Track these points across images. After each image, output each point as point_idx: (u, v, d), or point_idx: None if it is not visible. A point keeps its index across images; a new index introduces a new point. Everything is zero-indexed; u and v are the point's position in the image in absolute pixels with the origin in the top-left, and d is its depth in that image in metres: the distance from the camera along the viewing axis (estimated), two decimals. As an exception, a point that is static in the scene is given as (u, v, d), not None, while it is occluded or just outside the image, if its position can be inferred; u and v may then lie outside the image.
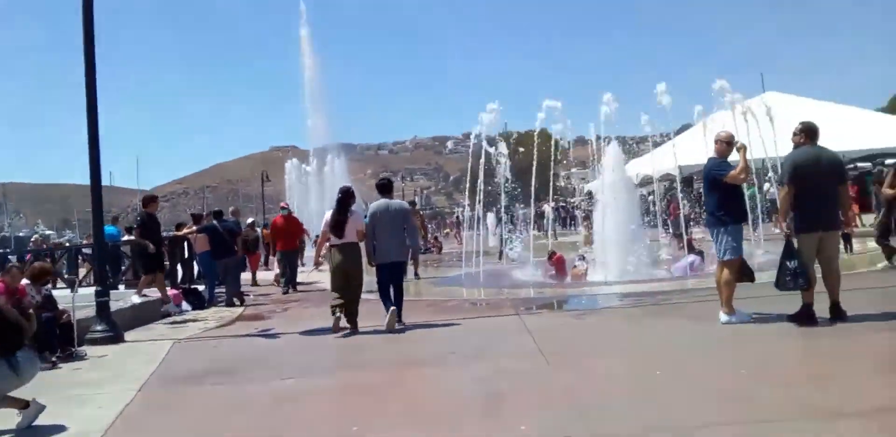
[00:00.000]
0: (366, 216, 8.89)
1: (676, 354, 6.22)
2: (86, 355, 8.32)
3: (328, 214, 8.87)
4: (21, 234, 57.68)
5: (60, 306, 8.67)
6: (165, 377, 6.91)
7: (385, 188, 9.14)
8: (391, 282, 8.72)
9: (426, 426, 4.71)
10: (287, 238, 15.02)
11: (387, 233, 8.68)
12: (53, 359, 7.90)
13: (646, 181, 23.30)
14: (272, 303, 12.88)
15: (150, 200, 12.51)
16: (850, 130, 22.75)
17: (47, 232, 65.74)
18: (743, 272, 7.30)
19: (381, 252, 8.71)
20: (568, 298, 11.13)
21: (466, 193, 19.31)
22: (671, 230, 18.90)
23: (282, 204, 16.87)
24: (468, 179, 17.93)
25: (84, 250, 16.65)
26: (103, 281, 9.59)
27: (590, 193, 41.23)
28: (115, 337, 9.19)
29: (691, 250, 14.20)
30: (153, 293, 12.44)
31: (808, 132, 7.02)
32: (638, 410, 4.63)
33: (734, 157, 7.34)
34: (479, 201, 17.93)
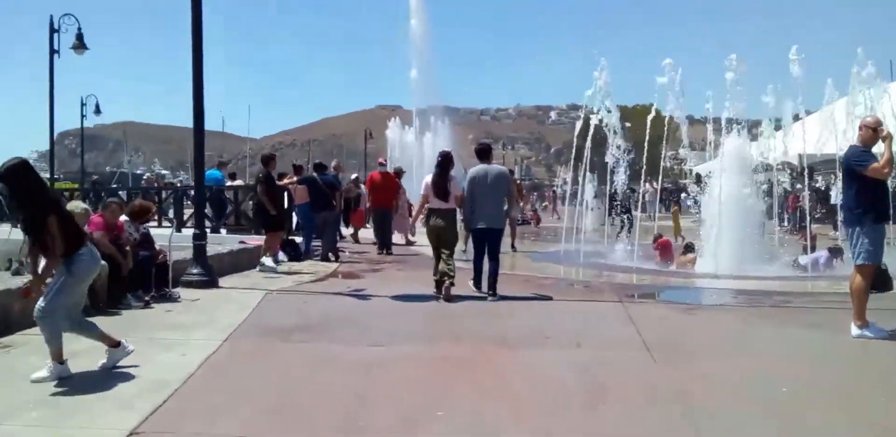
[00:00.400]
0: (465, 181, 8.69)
1: (799, 366, 5.57)
2: (179, 297, 8.35)
3: (428, 178, 8.78)
4: (138, 172, 60.47)
5: (159, 246, 8.72)
6: (253, 328, 6.80)
7: (484, 153, 8.87)
8: (488, 249, 8.55)
9: (515, 415, 4.33)
10: (383, 196, 14.53)
11: (486, 198, 8.48)
12: (147, 298, 7.96)
13: (762, 169, 21.90)
14: (367, 262, 12.75)
15: (269, 158, 12.00)
16: None
17: (163, 172, 68.81)
18: (878, 280, 6.50)
19: (478, 218, 8.49)
20: (675, 288, 10.41)
21: (572, 162, 18.46)
22: (788, 225, 17.74)
23: (380, 160, 16.19)
24: (574, 148, 17.10)
25: (190, 192, 17.02)
26: (201, 225, 9.62)
27: (698, 176, 39.55)
28: (210, 282, 9.21)
29: (812, 246, 13.18)
30: (252, 241, 12.52)
31: None
32: (756, 425, 4.11)
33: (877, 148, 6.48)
34: (585, 175, 17.06)
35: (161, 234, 9.92)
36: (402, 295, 8.63)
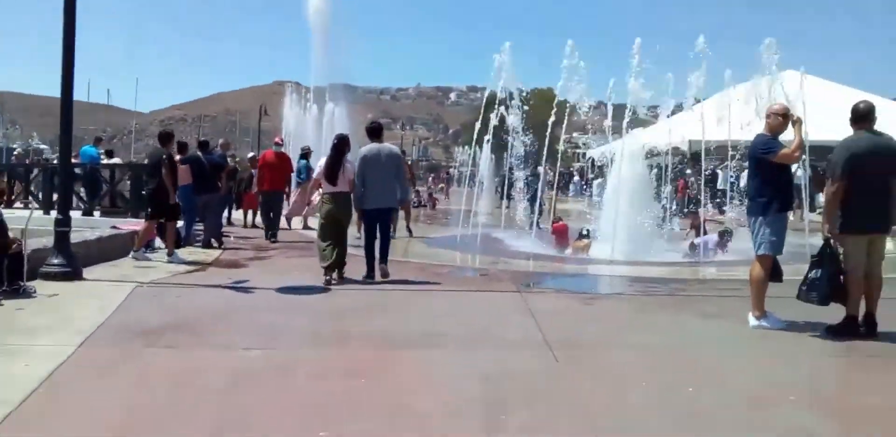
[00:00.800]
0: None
1: (700, 360, 5.39)
2: (35, 292, 7.41)
3: (322, 160, 8.76)
4: (14, 146, 56.28)
5: (12, 234, 7.73)
6: (115, 331, 6.04)
7: (375, 132, 8.76)
8: (379, 230, 8.52)
9: (409, 432, 3.88)
10: (275, 177, 13.39)
11: (377, 178, 8.41)
12: (-5, 294, 7.04)
13: (652, 154, 22.29)
14: (253, 249, 11.98)
15: (167, 136, 10.90)
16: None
17: (41, 146, 64.16)
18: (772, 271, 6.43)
19: (370, 198, 8.44)
20: (572, 276, 10.20)
21: (473, 145, 18.10)
22: (677, 209, 18.06)
23: (276, 139, 15.01)
24: (476, 129, 16.75)
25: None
26: (65, 208, 8.62)
27: (592, 160, 40.29)
28: (72, 273, 8.28)
29: (697, 229, 13.39)
30: (126, 225, 11.55)
31: (864, 114, 6.07)
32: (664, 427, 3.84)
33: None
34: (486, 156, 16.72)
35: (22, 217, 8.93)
36: (288, 287, 8.01)
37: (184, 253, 10.86)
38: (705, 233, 13.05)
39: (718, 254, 11.95)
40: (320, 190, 8.95)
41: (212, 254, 11.06)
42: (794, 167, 15.80)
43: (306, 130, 32.11)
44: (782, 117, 6.34)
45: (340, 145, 8.61)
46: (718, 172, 21.85)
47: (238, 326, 6.32)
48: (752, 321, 6.29)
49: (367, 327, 6.30)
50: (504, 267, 10.27)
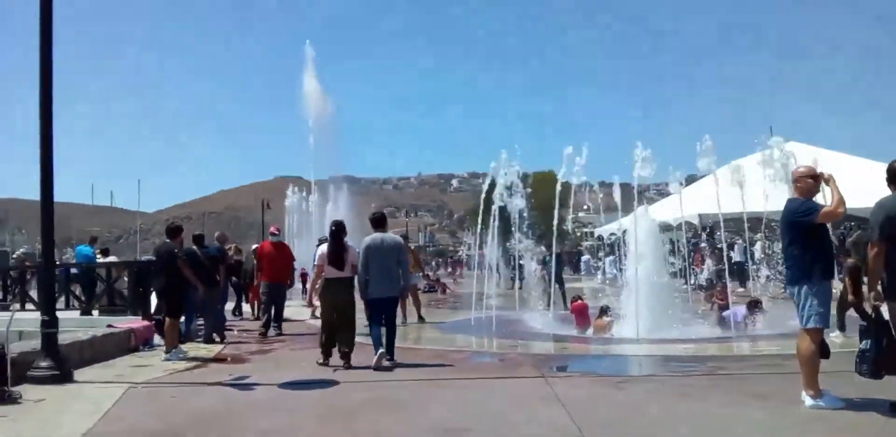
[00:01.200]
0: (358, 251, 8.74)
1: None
2: (20, 397, 6.82)
3: (323, 248, 8.86)
4: (22, 250, 56.42)
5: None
6: (100, 440, 5.42)
7: (379, 222, 8.87)
8: (383, 318, 8.56)
9: None
10: (275, 268, 12.67)
11: (381, 267, 8.49)
12: (-27, 402, 6.44)
13: (663, 229, 21.93)
14: (256, 342, 11.35)
15: (175, 230, 10.53)
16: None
17: (33, 251, 64.37)
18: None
19: (374, 287, 8.48)
20: (598, 357, 9.49)
21: (479, 227, 17.67)
22: (697, 282, 17.50)
23: (272, 229, 14.03)
24: (481, 211, 16.39)
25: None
26: (50, 309, 8.09)
27: (600, 237, 39.89)
28: (62, 376, 7.71)
29: (723, 301, 12.74)
30: (122, 324, 10.98)
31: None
32: None
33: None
34: (493, 238, 16.26)
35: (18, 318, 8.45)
36: (292, 382, 7.39)
37: (184, 349, 10.28)
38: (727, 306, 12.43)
39: (749, 326, 11.30)
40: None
41: (213, 349, 10.45)
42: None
43: (310, 222, 32.14)
44: (812, 179, 5.97)
45: (338, 232, 8.70)
46: (735, 244, 21.35)
47: (236, 431, 5.65)
48: (808, 401, 5.66)
49: (380, 425, 5.63)
50: (524, 351, 9.61)
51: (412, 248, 16.45)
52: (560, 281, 17.46)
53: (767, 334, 10.38)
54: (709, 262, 20.37)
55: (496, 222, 15.48)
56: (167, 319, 9.88)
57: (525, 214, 15.31)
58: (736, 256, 20.79)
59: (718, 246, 21.38)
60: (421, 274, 21.20)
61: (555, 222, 15.21)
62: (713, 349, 9.46)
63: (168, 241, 10.34)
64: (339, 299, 8.54)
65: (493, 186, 14.97)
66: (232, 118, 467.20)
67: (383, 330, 8.49)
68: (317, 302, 9.13)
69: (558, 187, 15.22)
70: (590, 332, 12.14)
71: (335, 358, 8.51)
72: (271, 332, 12.01)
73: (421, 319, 13.72)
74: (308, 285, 13.30)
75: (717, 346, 9.82)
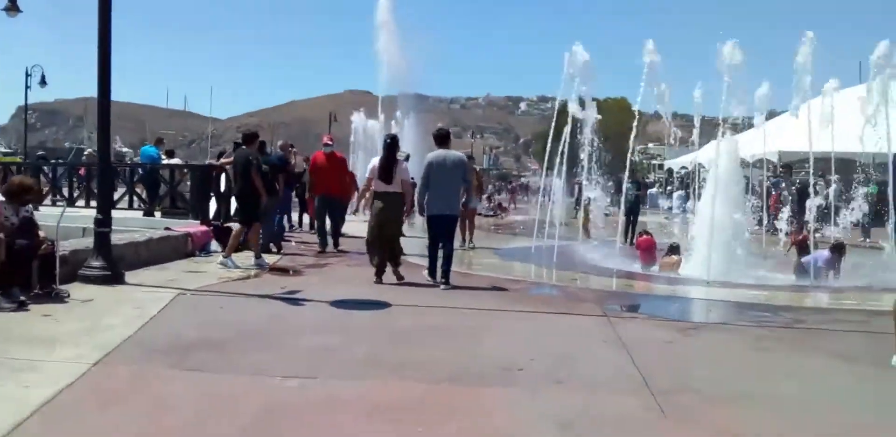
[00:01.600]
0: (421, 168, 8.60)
1: (848, 416, 4.22)
2: (67, 296, 6.77)
3: (375, 160, 8.70)
4: (94, 149, 57.97)
5: (42, 234, 7.04)
6: (140, 346, 5.26)
7: (443, 139, 8.72)
8: (443, 236, 8.47)
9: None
10: (327, 181, 11.80)
11: (443, 184, 8.37)
12: (22, 298, 6.36)
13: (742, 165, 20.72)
14: (312, 256, 11.15)
15: (252, 137, 10.19)
16: None
17: (123, 149, 66.15)
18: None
19: (435, 204, 8.39)
20: (666, 299, 8.88)
21: (547, 152, 16.85)
22: (774, 225, 16.56)
23: (324, 139, 12.83)
24: (551, 137, 15.59)
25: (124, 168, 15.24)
26: (107, 208, 7.97)
27: (670, 171, 38.44)
28: (113, 277, 7.63)
29: (801, 246, 11.88)
30: (180, 228, 10.91)
31: None
32: None
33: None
34: (563, 164, 15.48)
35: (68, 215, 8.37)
36: (343, 300, 7.12)
37: (240, 258, 10.18)
38: (808, 250, 11.62)
39: (831, 275, 10.56)
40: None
41: (269, 259, 10.30)
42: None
43: (375, 136, 31.75)
44: None
45: (391, 145, 8.59)
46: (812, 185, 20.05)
47: (281, 346, 5.43)
48: (898, 364, 5.09)
49: (430, 355, 5.30)
50: (585, 285, 9.15)
51: (477, 169, 15.91)
52: (636, 211, 16.85)
53: (850, 287, 9.66)
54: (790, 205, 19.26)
55: (564, 147, 14.68)
56: (239, 224, 9.86)
57: (595, 142, 14.50)
58: (818, 199, 19.59)
59: (797, 186, 20.19)
60: (484, 197, 20.75)
61: (631, 148, 14.32)
62: (791, 299, 8.81)
63: (244, 147, 10.10)
64: (386, 215, 8.41)
65: (563, 109, 14.18)
66: (306, 28, 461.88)
67: (441, 252, 8.40)
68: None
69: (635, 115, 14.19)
70: (655, 269, 11.58)
71: (388, 276, 8.44)
72: (329, 248, 11.67)
73: (471, 244, 13.26)
74: (357, 198, 12.37)
75: (796, 295, 9.15)
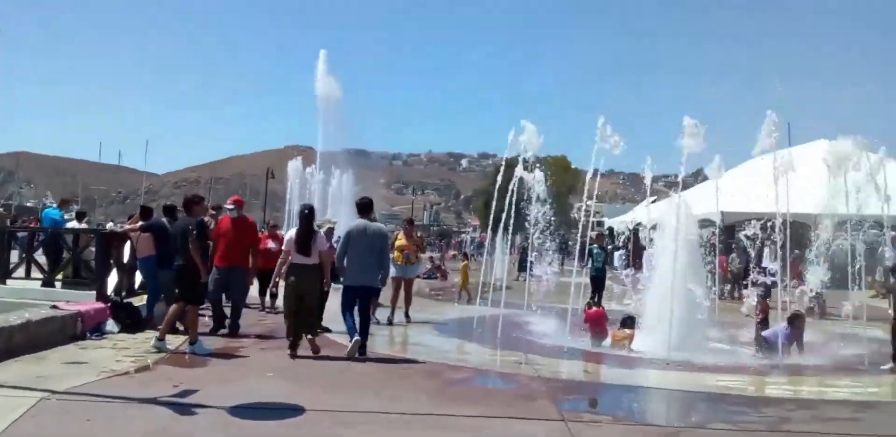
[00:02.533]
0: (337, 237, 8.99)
1: None
2: None
3: (292, 232, 8.55)
4: (29, 204, 55.69)
5: None
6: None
7: (364, 208, 8.77)
8: (358, 307, 8.43)
9: None
10: (230, 249, 9.93)
11: (361, 256, 8.40)
12: None
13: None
14: (222, 336, 9.75)
15: (193, 202, 8.96)
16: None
17: (53, 204, 63.72)
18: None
19: (351, 274, 8.43)
20: (627, 390, 7.59)
21: (492, 215, 15.90)
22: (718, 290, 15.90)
23: (230, 200, 10.49)
24: (496, 198, 14.58)
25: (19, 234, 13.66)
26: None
27: (610, 230, 38.32)
28: (-37, 377, 6.21)
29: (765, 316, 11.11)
30: (68, 306, 9.47)
31: None
32: None
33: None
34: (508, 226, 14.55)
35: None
36: (245, 407, 5.84)
37: (138, 341, 8.84)
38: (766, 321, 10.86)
39: (795, 350, 9.79)
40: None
41: (174, 341, 8.93)
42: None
43: (313, 193, 30.65)
44: None
45: (310, 215, 8.47)
46: (764, 246, 19.62)
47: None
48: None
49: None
50: (535, 372, 7.96)
51: (419, 235, 14.83)
52: (602, 282, 15.81)
53: (820, 366, 8.90)
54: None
55: (506, 205, 13.73)
56: (182, 303, 8.55)
57: (539, 198, 13.63)
58: (766, 261, 19.13)
59: (746, 249, 19.70)
60: (429, 256, 19.68)
61: (582, 206, 13.60)
62: (764, 386, 7.87)
63: (185, 215, 9.05)
64: (304, 287, 8.26)
65: (506, 164, 13.43)
66: (249, 82, 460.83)
67: (358, 321, 8.35)
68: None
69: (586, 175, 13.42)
70: (607, 343, 10.59)
71: (304, 348, 8.21)
72: (223, 328, 9.96)
73: (407, 318, 12.07)
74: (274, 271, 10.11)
75: (771, 382, 8.22)
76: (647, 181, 15.51)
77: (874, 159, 10.89)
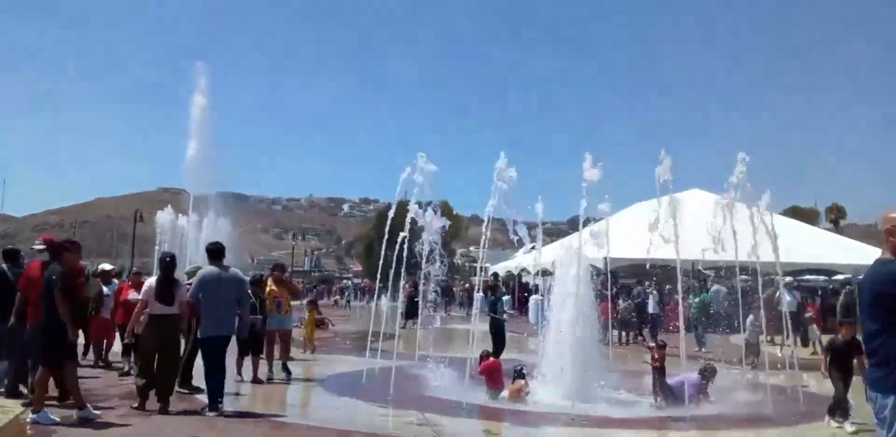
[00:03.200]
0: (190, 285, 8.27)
1: None
2: None
3: (151, 280, 8.23)
4: None
5: None
6: None
7: (216, 254, 8.23)
8: (215, 357, 7.97)
9: None
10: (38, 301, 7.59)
11: (216, 305, 7.96)
12: None
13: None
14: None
15: (63, 248, 7.59)
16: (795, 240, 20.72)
17: None
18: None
19: (207, 325, 8.00)
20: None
21: (381, 260, 15.12)
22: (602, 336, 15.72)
23: (38, 241, 8.31)
24: (385, 244, 13.82)
25: None
26: None
27: (495, 275, 38.33)
28: None
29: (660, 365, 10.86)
30: None
31: None
32: None
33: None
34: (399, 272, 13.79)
35: None
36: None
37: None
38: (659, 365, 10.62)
39: (702, 401, 9.56)
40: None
41: (14, 409, 7.58)
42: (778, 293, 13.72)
43: (184, 237, 28.85)
44: None
45: (171, 264, 8.15)
46: (648, 294, 19.89)
47: None
48: None
49: None
50: (436, 434, 7.20)
51: (288, 278, 13.50)
52: (502, 333, 14.36)
53: (730, 417, 8.70)
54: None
55: (387, 251, 12.99)
56: (42, 367, 7.26)
57: (423, 245, 13.03)
58: (650, 307, 19.34)
59: (633, 296, 19.84)
60: (303, 302, 18.35)
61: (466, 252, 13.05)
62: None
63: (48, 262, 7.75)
64: (164, 338, 7.83)
65: (384, 211, 12.76)
66: (116, 120, 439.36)
67: (215, 374, 7.90)
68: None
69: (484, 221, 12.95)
70: (504, 395, 10.01)
71: (152, 401, 7.71)
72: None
73: (287, 374, 11.00)
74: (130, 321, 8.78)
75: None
76: (521, 230, 14.82)
77: (763, 205, 11.02)
